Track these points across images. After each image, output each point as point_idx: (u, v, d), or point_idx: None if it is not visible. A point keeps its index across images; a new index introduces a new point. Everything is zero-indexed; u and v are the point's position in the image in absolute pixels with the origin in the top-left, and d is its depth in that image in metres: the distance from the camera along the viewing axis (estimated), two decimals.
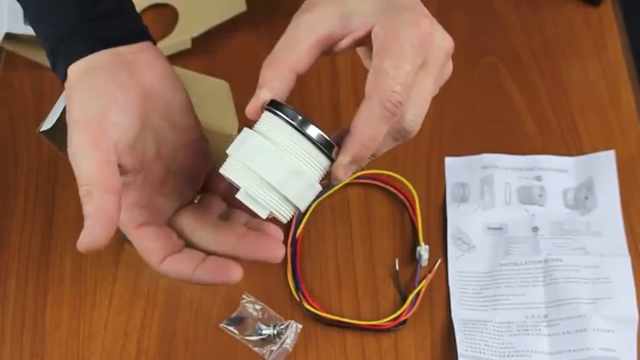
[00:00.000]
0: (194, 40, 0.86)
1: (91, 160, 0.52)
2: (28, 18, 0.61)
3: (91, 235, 0.51)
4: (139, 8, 0.91)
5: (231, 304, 0.73)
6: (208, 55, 0.87)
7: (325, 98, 0.84)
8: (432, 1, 0.90)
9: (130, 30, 0.59)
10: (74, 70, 0.56)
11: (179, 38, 0.87)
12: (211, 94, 0.68)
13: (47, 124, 0.65)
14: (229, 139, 0.68)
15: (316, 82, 0.85)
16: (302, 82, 0.85)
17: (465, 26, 0.88)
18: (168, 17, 0.91)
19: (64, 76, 0.57)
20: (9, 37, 0.84)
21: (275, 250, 0.55)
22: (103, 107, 0.54)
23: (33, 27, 0.60)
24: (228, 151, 0.52)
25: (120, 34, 0.58)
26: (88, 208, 0.52)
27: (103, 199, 0.51)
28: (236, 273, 0.55)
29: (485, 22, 0.88)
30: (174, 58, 0.86)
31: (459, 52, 0.91)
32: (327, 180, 0.52)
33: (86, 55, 0.56)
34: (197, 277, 0.55)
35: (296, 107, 0.51)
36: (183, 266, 0.55)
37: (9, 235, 0.78)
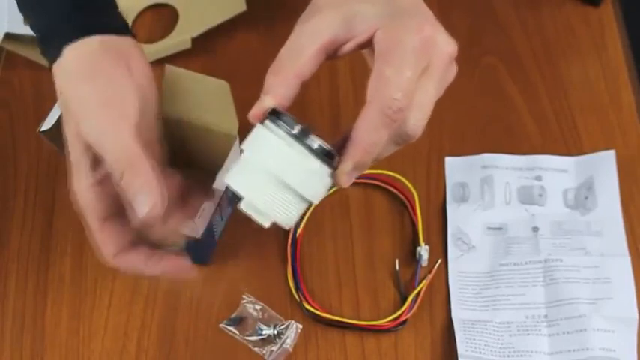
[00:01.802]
0: (194, 40, 0.86)
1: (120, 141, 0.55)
2: (23, 10, 0.63)
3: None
4: (139, 8, 0.92)
5: (231, 304, 0.73)
6: (208, 55, 0.87)
7: (324, 96, 0.84)
8: (432, 1, 0.90)
9: (122, 23, 0.62)
10: (75, 52, 0.58)
11: (179, 38, 0.87)
12: (211, 94, 0.68)
13: (47, 124, 0.65)
14: (229, 139, 0.68)
15: (315, 80, 0.84)
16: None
17: (465, 26, 0.88)
18: (168, 17, 0.91)
19: (57, 55, 0.58)
20: (9, 37, 0.84)
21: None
22: (123, 91, 0.56)
23: (28, 17, 0.62)
24: (242, 147, 0.52)
25: (112, 25, 0.60)
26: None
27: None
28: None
29: (486, 22, 0.88)
30: (174, 58, 0.86)
31: (458, 52, 0.91)
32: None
33: (85, 36, 0.58)
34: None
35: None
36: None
37: (9, 235, 0.78)
